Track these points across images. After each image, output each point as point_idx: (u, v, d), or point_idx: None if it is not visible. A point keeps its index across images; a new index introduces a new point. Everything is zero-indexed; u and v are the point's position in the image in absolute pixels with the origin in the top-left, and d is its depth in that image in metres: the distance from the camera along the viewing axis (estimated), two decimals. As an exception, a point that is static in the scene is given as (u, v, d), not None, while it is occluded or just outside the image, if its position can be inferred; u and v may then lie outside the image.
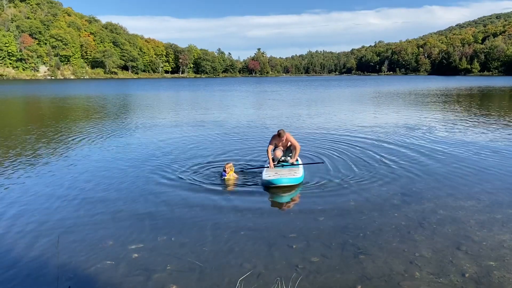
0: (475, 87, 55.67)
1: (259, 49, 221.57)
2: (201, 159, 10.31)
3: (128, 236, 5.53)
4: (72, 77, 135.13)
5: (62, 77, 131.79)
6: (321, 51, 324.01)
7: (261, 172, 8.59)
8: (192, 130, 15.91)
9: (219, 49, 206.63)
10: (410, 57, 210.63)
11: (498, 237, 5.38)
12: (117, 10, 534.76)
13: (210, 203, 7.00)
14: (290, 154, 9.05)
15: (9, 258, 4.92)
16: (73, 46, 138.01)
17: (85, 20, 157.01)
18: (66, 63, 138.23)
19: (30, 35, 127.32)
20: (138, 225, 5.96)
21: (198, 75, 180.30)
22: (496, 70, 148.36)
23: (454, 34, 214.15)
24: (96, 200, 7.12)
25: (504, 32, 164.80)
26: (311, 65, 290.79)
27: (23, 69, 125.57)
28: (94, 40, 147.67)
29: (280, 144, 8.98)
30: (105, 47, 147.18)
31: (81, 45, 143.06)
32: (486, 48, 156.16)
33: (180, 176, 8.60)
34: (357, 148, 11.56)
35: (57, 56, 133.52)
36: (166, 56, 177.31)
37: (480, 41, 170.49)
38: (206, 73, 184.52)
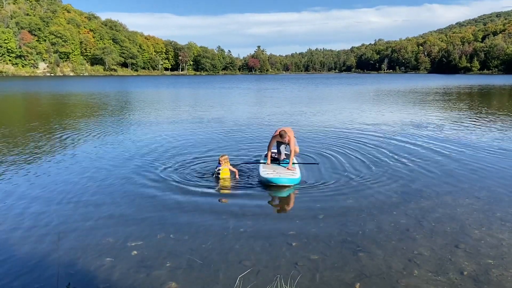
0: (475, 86, 55.66)
1: (259, 47, 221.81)
2: (201, 155, 10.30)
3: (127, 234, 5.54)
4: (71, 74, 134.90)
5: (62, 74, 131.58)
6: (321, 49, 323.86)
7: (257, 168, 8.59)
8: (196, 127, 15.89)
9: (219, 46, 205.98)
10: (410, 55, 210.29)
11: (497, 235, 5.40)
12: (117, 7, 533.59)
13: (208, 200, 7.01)
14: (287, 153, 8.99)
15: (9, 256, 4.93)
16: (72, 43, 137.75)
17: (85, 17, 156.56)
18: (66, 60, 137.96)
19: (29, 31, 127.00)
20: (137, 222, 5.97)
21: (198, 73, 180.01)
22: (496, 69, 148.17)
23: (454, 33, 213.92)
24: (95, 198, 7.12)
25: (504, 30, 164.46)
26: (311, 63, 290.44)
27: (23, 66, 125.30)
28: (93, 37, 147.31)
29: (282, 144, 8.90)
30: (104, 44, 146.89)
31: (81, 42, 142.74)
32: (486, 47, 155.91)
33: (179, 173, 8.60)
34: (357, 146, 11.57)
35: (56, 53, 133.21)
36: (165, 53, 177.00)
37: (480, 40, 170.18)
38: (206, 70, 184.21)
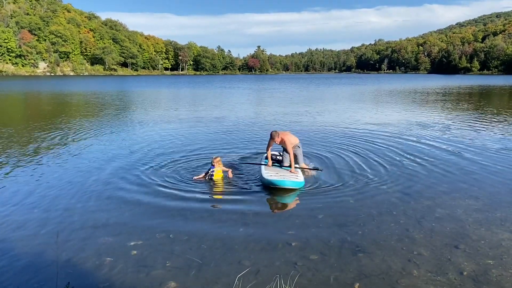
0: (475, 86, 55.66)
1: (259, 47, 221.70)
2: (201, 155, 10.31)
3: (127, 233, 5.54)
4: (71, 73, 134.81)
5: (62, 74, 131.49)
6: (321, 49, 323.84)
7: (259, 170, 8.56)
8: (199, 126, 15.89)
9: (219, 46, 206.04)
10: (410, 55, 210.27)
11: (496, 236, 5.40)
12: (117, 7, 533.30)
13: (206, 201, 7.02)
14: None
15: (8, 255, 4.93)
16: (72, 43, 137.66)
17: (85, 17, 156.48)
18: (66, 60, 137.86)
19: (29, 31, 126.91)
20: (137, 222, 5.97)
21: (198, 72, 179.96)
22: (495, 69, 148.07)
23: (454, 33, 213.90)
24: (95, 197, 7.12)
25: (504, 31, 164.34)
26: (311, 63, 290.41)
27: (23, 65, 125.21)
28: (93, 37, 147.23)
29: (283, 146, 8.79)
30: (104, 43, 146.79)
31: (81, 42, 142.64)
32: (486, 47, 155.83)
33: (178, 172, 8.61)
34: (356, 146, 11.57)
35: (56, 52, 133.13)
36: (165, 53, 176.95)
37: (480, 40, 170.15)
38: (206, 70, 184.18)
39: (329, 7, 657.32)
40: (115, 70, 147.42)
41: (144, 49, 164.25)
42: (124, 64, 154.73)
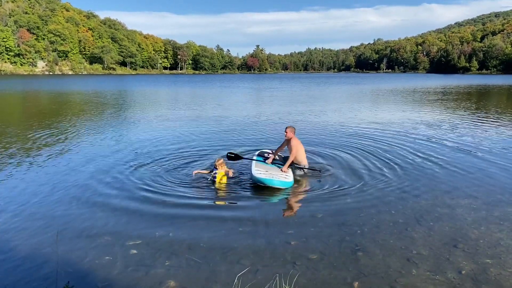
0: (474, 86, 55.74)
1: (258, 46, 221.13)
2: (201, 154, 10.32)
3: (126, 232, 5.54)
4: (70, 72, 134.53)
5: (60, 73, 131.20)
6: (320, 48, 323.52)
7: (250, 167, 8.50)
8: (202, 126, 15.89)
9: (218, 45, 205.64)
10: (408, 55, 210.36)
11: (495, 235, 5.42)
12: (116, 6, 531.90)
13: (207, 201, 7.02)
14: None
15: (8, 254, 4.93)
16: (71, 42, 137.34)
17: (83, 16, 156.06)
18: (64, 59, 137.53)
19: (28, 30, 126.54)
20: (136, 221, 5.97)
21: (197, 72, 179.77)
22: (494, 69, 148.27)
23: (453, 32, 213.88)
24: (94, 197, 7.12)
25: (503, 30, 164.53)
26: (310, 62, 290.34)
27: (21, 64, 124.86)
28: (92, 36, 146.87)
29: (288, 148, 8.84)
30: (103, 42, 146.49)
31: (79, 41, 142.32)
32: (485, 47, 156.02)
33: (178, 172, 8.61)
34: (356, 145, 11.57)
35: (55, 51, 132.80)
36: (164, 52, 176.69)
37: (479, 40, 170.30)
38: (205, 69, 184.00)
39: (328, 6, 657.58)
40: (113, 69, 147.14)
41: (143, 48, 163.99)
42: (123, 63, 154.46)
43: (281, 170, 8.16)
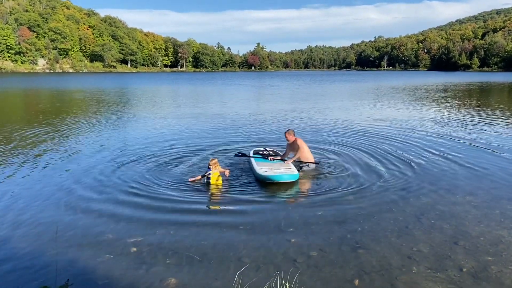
0: (476, 83, 55.62)
1: (258, 44, 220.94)
2: (201, 153, 10.31)
3: (127, 230, 5.54)
4: (70, 70, 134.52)
5: (61, 71, 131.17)
6: (320, 46, 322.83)
7: (250, 166, 8.53)
8: (205, 124, 15.89)
9: (219, 43, 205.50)
10: (409, 52, 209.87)
11: (495, 232, 5.41)
12: (116, 4, 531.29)
13: (207, 198, 7.03)
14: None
15: (8, 253, 4.93)
16: (71, 40, 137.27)
17: (84, 13, 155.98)
18: (65, 57, 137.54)
19: (28, 28, 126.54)
20: (136, 219, 5.96)
21: (197, 69, 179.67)
22: (495, 66, 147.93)
23: (454, 30, 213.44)
24: (94, 194, 7.12)
25: (504, 27, 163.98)
26: (311, 59, 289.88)
27: (22, 62, 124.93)
28: (93, 34, 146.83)
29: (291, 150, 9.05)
30: (104, 40, 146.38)
31: (80, 39, 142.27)
32: (486, 44, 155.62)
33: (178, 170, 8.61)
34: (356, 143, 11.56)
35: (55, 49, 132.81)
36: (165, 50, 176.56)
37: (480, 37, 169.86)
38: (206, 67, 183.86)
39: (328, 4, 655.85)
40: (114, 67, 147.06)
41: (143, 46, 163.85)
42: (124, 61, 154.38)
43: (285, 163, 8.37)
